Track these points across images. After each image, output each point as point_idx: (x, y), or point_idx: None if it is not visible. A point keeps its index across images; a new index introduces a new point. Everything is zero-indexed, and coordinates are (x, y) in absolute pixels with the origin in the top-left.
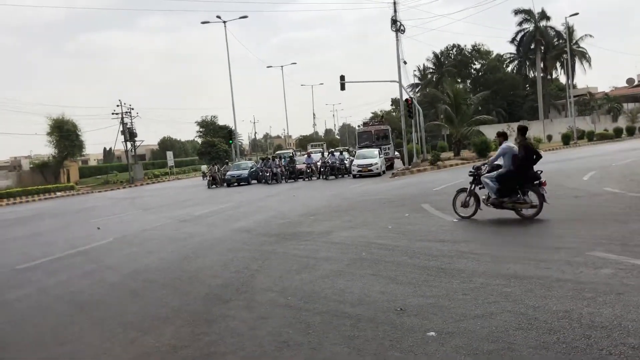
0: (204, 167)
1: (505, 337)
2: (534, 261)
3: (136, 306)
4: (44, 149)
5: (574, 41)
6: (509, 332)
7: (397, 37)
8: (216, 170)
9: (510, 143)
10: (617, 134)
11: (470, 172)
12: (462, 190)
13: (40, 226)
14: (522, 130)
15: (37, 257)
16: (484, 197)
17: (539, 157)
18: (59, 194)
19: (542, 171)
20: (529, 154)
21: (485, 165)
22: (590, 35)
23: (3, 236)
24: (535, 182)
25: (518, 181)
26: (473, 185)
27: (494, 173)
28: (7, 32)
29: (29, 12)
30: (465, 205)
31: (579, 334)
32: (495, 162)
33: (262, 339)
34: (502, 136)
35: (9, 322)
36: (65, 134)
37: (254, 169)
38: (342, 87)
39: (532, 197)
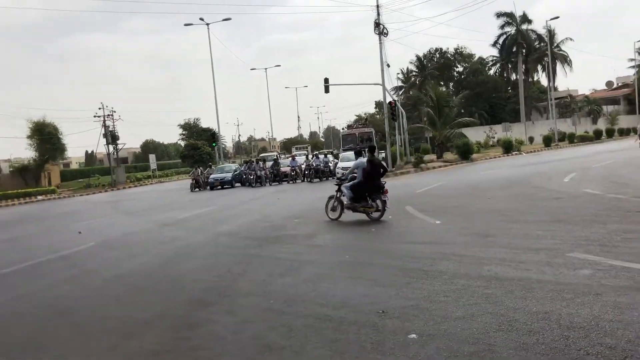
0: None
1: (485, 339)
2: (514, 262)
3: (118, 311)
4: (25, 152)
5: (555, 44)
6: (490, 334)
7: (380, 40)
8: (199, 174)
9: (364, 159)
10: (597, 136)
11: (336, 182)
12: (332, 197)
13: (20, 230)
14: (371, 149)
15: (17, 262)
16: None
17: (385, 170)
18: (39, 197)
19: (385, 182)
20: (374, 168)
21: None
22: (571, 39)
23: None
24: (380, 191)
25: (366, 190)
26: (338, 193)
27: (349, 183)
28: None
29: (10, 13)
30: (334, 209)
31: (557, 335)
32: (351, 175)
33: (245, 343)
34: (358, 154)
35: None
36: (46, 137)
37: (238, 172)
38: (327, 90)
39: (378, 203)
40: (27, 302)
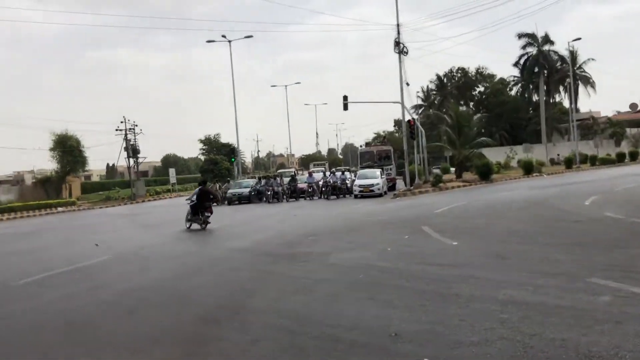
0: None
1: None
2: (532, 286)
3: (128, 326)
4: (47, 164)
5: (578, 65)
6: None
7: (400, 59)
8: (217, 188)
9: (197, 189)
10: (620, 159)
11: (186, 201)
12: (188, 212)
13: (39, 241)
14: (203, 183)
15: (34, 273)
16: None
17: (215, 197)
18: (60, 209)
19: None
20: (203, 194)
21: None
22: (593, 59)
23: (1, 251)
24: (207, 209)
25: (199, 208)
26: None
27: (191, 204)
28: (14, 47)
29: (37, 27)
30: (187, 220)
31: None
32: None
33: None
34: (202, 184)
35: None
36: (68, 150)
37: (256, 187)
38: (345, 107)
39: (204, 217)
40: (40, 313)
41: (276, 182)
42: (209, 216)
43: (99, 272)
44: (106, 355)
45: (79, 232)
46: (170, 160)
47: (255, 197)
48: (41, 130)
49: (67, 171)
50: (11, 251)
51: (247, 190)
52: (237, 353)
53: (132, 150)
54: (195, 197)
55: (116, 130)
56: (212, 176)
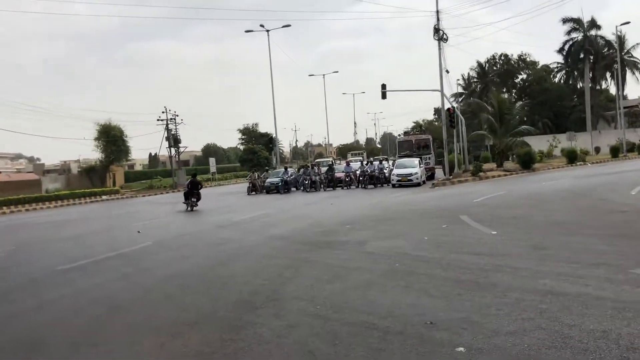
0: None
1: (537, 356)
2: (572, 277)
3: (168, 310)
4: (92, 153)
5: (625, 50)
6: (542, 351)
7: (439, 46)
8: (256, 177)
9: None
10: None
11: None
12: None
13: (84, 228)
14: (194, 175)
15: (78, 259)
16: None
17: (200, 184)
18: (104, 197)
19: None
20: (193, 184)
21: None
22: None
23: (48, 237)
24: (195, 194)
25: (189, 195)
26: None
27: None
28: (61, 40)
29: (81, 20)
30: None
31: (616, 356)
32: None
33: (289, 348)
34: (193, 176)
35: (45, 322)
36: (111, 139)
37: (293, 176)
38: (384, 96)
39: (192, 202)
40: (83, 298)
41: (314, 172)
42: (195, 200)
43: (140, 258)
44: (146, 337)
45: (123, 219)
46: (210, 150)
47: (285, 186)
48: (86, 121)
49: (111, 160)
50: (58, 237)
51: (286, 179)
52: (273, 338)
53: (174, 140)
54: (188, 185)
55: (158, 120)
56: (251, 165)
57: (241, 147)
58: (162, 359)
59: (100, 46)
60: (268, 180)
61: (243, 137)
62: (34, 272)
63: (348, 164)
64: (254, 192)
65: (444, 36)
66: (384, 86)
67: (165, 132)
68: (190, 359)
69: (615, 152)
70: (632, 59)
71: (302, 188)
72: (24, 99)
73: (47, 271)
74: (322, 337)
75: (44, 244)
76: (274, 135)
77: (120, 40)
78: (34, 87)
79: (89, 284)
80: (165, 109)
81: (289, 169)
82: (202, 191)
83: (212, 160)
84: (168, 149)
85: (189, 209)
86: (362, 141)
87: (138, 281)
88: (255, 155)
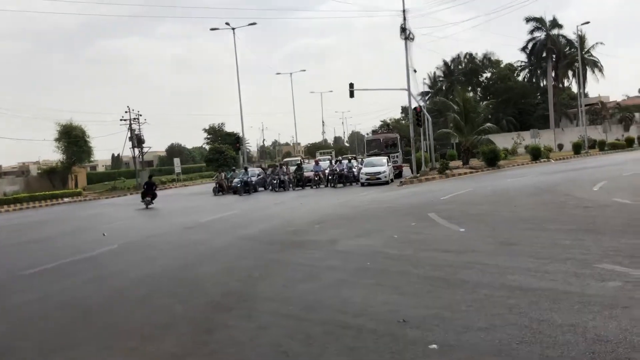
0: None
1: (508, 351)
2: (539, 272)
3: (138, 313)
4: (53, 154)
5: (586, 50)
6: (512, 346)
7: (406, 45)
8: (223, 178)
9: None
10: (629, 144)
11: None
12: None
13: (46, 232)
14: (150, 177)
15: (43, 263)
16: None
17: (155, 185)
18: (66, 199)
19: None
20: (149, 185)
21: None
22: (602, 43)
23: (9, 241)
24: (152, 193)
25: (145, 193)
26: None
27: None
28: (23, 38)
29: (43, 18)
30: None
31: (583, 349)
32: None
33: (263, 349)
34: (149, 177)
35: (11, 328)
36: (73, 140)
37: (261, 176)
38: (352, 95)
39: (147, 200)
40: (50, 302)
41: (282, 171)
42: (150, 199)
43: (107, 261)
44: (117, 341)
45: (87, 222)
46: (174, 150)
47: (245, 187)
48: (46, 121)
49: (73, 162)
50: (19, 241)
51: (253, 179)
52: (246, 339)
53: (137, 140)
54: (144, 186)
55: (121, 120)
56: (217, 165)
57: (207, 147)
58: None
59: (63, 44)
60: (235, 180)
61: (209, 136)
62: None
63: (317, 163)
64: (220, 193)
65: (411, 35)
66: (351, 85)
67: (129, 132)
68: None
69: (577, 148)
70: (592, 58)
71: (270, 188)
72: None
73: (10, 276)
74: (296, 338)
75: (4, 248)
76: (240, 135)
77: (83, 39)
78: None
79: (56, 288)
80: (129, 109)
81: (250, 169)
82: (168, 192)
83: (176, 161)
84: (131, 150)
85: (146, 206)
86: (330, 140)
87: (106, 284)
88: (221, 155)
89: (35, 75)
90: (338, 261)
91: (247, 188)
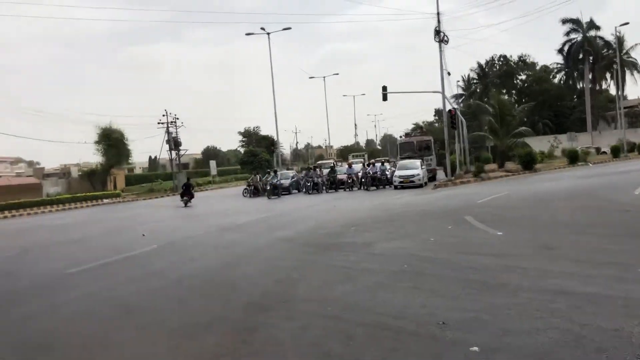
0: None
1: (551, 354)
2: (581, 276)
3: (179, 313)
4: (93, 157)
5: (625, 51)
6: (555, 350)
7: (440, 47)
8: (258, 180)
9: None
10: None
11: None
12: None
13: (88, 232)
14: (188, 179)
15: (85, 262)
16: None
17: (192, 186)
18: (105, 200)
19: (193, 188)
20: (186, 186)
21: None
22: None
23: (53, 241)
24: (190, 193)
25: (184, 194)
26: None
27: (182, 189)
28: (60, 44)
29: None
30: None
31: (629, 354)
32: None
33: (304, 349)
34: (187, 180)
35: (57, 326)
36: (112, 143)
37: (295, 179)
38: (385, 98)
39: (185, 200)
40: (93, 300)
41: (316, 174)
42: (188, 199)
43: (147, 261)
44: (160, 339)
45: (126, 222)
46: (210, 153)
47: (274, 190)
48: (87, 125)
49: (112, 164)
50: (63, 241)
51: (287, 181)
52: (287, 339)
53: (174, 143)
54: (183, 187)
55: (158, 123)
56: (251, 168)
57: (241, 150)
58: None
59: (102, 50)
60: (270, 182)
61: (243, 139)
62: (43, 276)
63: (350, 165)
64: (251, 195)
65: (445, 38)
66: (384, 88)
67: (166, 135)
68: None
69: (616, 152)
70: (630, 59)
71: (304, 190)
72: (25, 103)
73: (55, 274)
74: (336, 338)
75: (49, 248)
76: (275, 138)
77: (121, 44)
78: (34, 91)
79: (99, 286)
80: (166, 112)
81: (283, 172)
82: (204, 193)
83: (212, 163)
84: (168, 152)
85: (185, 205)
86: (363, 143)
87: (147, 284)
88: (255, 158)
89: (73, 81)
90: (374, 264)
91: (276, 191)
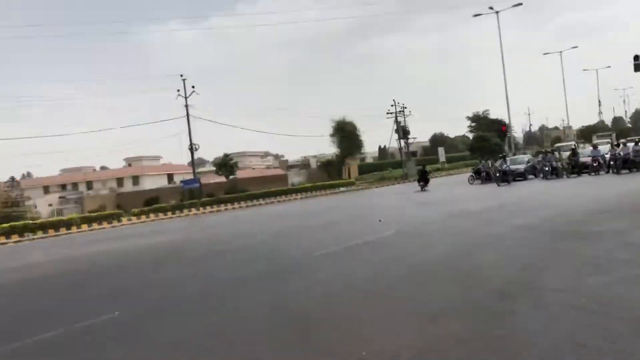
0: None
1: None
2: None
3: (421, 297)
4: (328, 149)
5: None
6: None
7: None
8: (489, 166)
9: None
10: None
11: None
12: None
13: (329, 218)
14: (423, 166)
15: (330, 246)
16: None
17: (427, 172)
18: (342, 189)
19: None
20: (422, 173)
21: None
22: None
23: (300, 226)
24: (426, 179)
25: (420, 180)
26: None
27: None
28: (299, 47)
29: (317, 25)
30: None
31: None
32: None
33: (556, 339)
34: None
35: (315, 301)
36: (346, 135)
37: (531, 163)
38: (637, 68)
39: (422, 185)
40: (339, 282)
41: (554, 157)
42: (424, 184)
43: (386, 246)
44: (405, 322)
45: (363, 209)
46: (438, 139)
47: (503, 176)
48: (321, 119)
49: (345, 154)
50: (308, 226)
51: (522, 166)
52: (536, 328)
53: (403, 132)
54: (419, 173)
55: (387, 113)
56: (481, 153)
57: (470, 135)
58: (426, 342)
59: (332, 48)
60: (504, 167)
61: (472, 124)
62: (296, 257)
63: (595, 147)
64: (486, 181)
65: None
66: (636, 57)
67: (395, 125)
68: (453, 344)
69: None
70: None
71: (541, 175)
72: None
73: (306, 256)
74: (592, 331)
75: (297, 232)
76: (506, 122)
77: (348, 41)
78: (277, 90)
79: (342, 269)
80: (394, 102)
81: (515, 157)
82: (433, 180)
83: (441, 150)
84: (397, 141)
85: (421, 189)
86: (608, 121)
87: (388, 268)
88: (486, 143)
89: (308, 78)
90: (630, 254)
91: (506, 177)
